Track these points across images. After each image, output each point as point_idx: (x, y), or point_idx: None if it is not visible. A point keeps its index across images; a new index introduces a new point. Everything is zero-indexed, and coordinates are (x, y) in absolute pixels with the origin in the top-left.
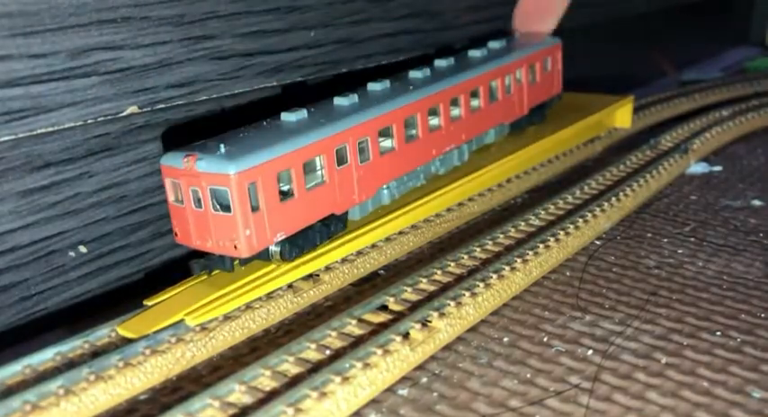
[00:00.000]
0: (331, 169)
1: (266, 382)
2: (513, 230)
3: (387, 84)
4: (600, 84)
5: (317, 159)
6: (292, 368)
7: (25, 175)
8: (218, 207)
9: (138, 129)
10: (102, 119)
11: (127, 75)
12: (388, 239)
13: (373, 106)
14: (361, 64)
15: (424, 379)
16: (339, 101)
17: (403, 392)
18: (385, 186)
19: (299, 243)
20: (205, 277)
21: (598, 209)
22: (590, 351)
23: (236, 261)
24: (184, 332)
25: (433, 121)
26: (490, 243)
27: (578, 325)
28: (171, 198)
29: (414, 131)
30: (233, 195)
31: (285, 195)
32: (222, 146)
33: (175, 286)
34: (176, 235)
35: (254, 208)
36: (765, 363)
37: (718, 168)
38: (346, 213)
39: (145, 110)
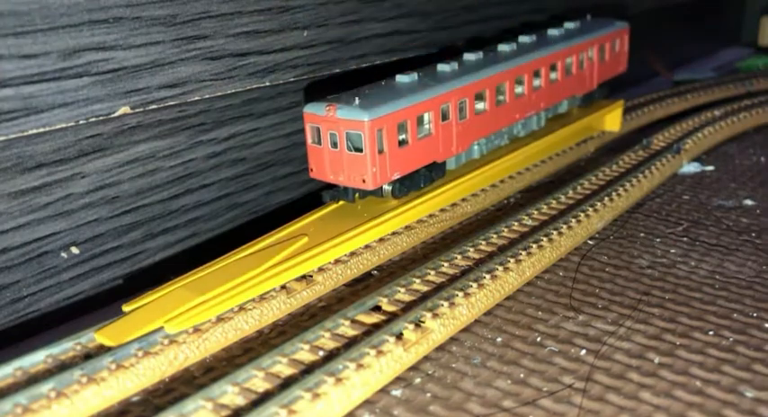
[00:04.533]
0: (436, 123)
1: (259, 383)
2: (506, 230)
3: (480, 55)
4: None
5: (426, 114)
6: (285, 370)
7: (17, 176)
8: (352, 148)
9: (131, 130)
10: (93, 119)
11: (119, 76)
12: (381, 239)
13: (471, 73)
14: (355, 64)
15: (418, 380)
16: (442, 67)
17: (396, 393)
18: (476, 142)
19: (406, 184)
20: (186, 280)
21: (591, 209)
22: (583, 351)
23: (357, 195)
24: (177, 334)
25: (518, 89)
26: (483, 243)
27: (571, 325)
28: (309, 140)
29: (502, 97)
30: (365, 139)
31: (401, 143)
32: (357, 98)
33: (155, 290)
34: (311, 170)
35: (380, 151)
36: (758, 362)
37: (710, 168)
38: (445, 162)
39: (137, 110)
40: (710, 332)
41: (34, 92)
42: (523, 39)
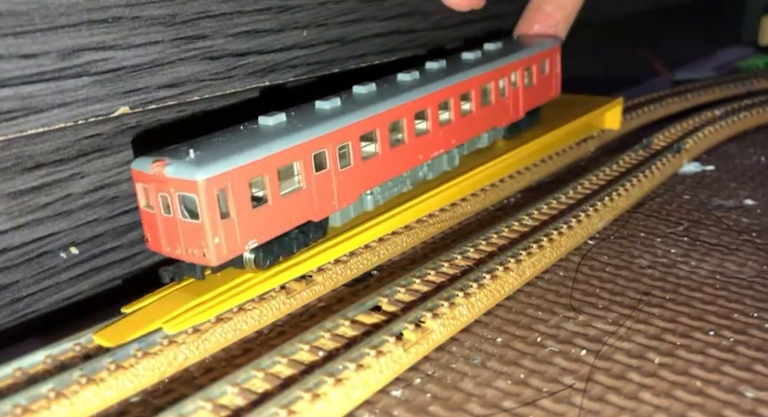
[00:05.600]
0: (308, 175)
1: (259, 384)
2: (506, 230)
3: (373, 87)
4: (593, 83)
5: (294, 165)
6: (285, 370)
7: (16, 176)
8: (186, 214)
9: (130, 130)
10: (93, 119)
11: (118, 76)
12: (381, 239)
13: (356, 110)
14: (354, 63)
15: (418, 380)
16: (321, 104)
17: (396, 393)
18: (368, 192)
19: (273, 251)
20: (185, 283)
21: (591, 209)
22: (583, 352)
23: (209, 270)
24: (176, 335)
25: (421, 125)
26: (483, 243)
27: (571, 325)
28: (142, 203)
29: (400, 136)
30: (201, 202)
31: (259, 201)
32: (192, 151)
33: (154, 292)
34: (147, 241)
35: (224, 215)
36: (758, 363)
37: (710, 167)
38: (326, 220)
39: (136, 110)
40: (711, 333)
41: (33, 91)
42: (431, 65)
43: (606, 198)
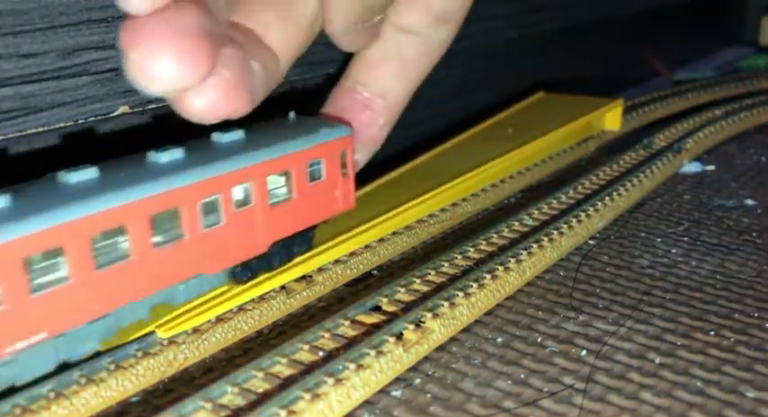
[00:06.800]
0: None
1: (259, 384)
2: (506, 230)
3: None
4: (593, 83)
5: None
6: (285, 370)
7: None
8: None
9: (130, 130)
10: (92, 119)
11: (118, 75)
12: (381, 239)
13: None
14: None
15: (418, 380)
16: None
17: (396, 393)
18: None
19: None
20: None
21: (592, 209)
22: (584, 352)
23: None
24: (176, 334)
25: None
26: (484, 243)
27: (572, 325)
28: None
29: None
30: None
31: None
32: None
33: None
34: None
35: None
36: (759, 363)
37: (711, 167)
38: None
39: (136, 110)
40: (711, 333)
41: (33, 91)
42: (65, 177)
43: (607, 197)
